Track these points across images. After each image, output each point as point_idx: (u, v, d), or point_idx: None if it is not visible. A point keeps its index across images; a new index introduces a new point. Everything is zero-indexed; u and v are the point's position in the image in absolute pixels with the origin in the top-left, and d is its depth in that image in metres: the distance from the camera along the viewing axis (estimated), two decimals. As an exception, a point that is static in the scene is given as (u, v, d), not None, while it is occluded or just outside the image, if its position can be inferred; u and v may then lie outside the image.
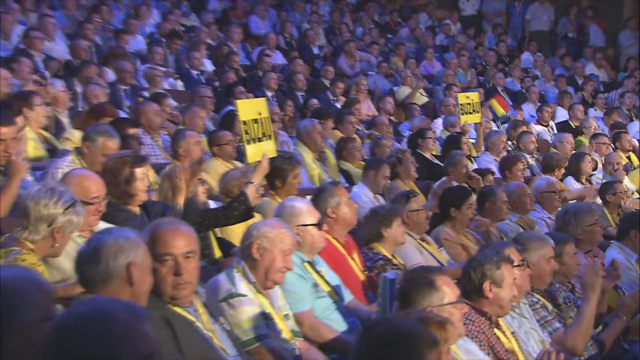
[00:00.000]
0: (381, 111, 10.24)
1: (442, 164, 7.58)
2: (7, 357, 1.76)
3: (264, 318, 3.36)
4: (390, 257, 4.68)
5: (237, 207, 4.49)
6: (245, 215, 4.48)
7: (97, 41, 9.99)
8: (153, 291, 2.76)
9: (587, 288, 4.12)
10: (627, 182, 8.41)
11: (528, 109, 11.65)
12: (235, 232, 4.80)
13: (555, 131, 10.78)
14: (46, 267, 3.28)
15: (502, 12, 16.24)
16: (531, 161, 8.63)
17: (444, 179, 6.20)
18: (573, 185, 7.95)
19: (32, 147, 5.75)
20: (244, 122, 4.57)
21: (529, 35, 15.33)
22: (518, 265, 3.80)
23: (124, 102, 8.19)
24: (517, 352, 3.64)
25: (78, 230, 3.38)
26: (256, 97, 9.13)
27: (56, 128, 6.78)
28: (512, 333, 3.75)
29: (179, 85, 9.63)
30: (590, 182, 8.28)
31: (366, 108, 10.36)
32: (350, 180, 7.13)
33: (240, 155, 7.04)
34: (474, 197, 5.65)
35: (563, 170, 7.83)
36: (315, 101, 9.54)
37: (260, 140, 4.69)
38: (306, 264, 3.99)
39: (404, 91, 11.29)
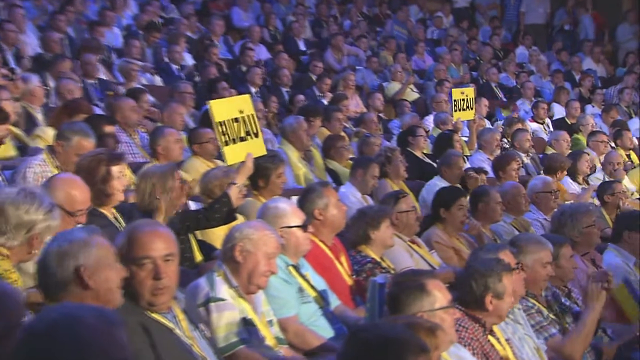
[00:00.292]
0: (370, 108, 10.26)
1: (433, 163, 7.61)
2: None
3: (245, 324, 3.36)
4: (379, 260, 4.70)
5: (219, 209, 4.48)
6: (228, 218, 4.49)
7: (70, 34, 9.93)
8: (130, 296, 2.75)
9: (591, 296, 4.14)
10: (627, 182, 8.47)
11: (523, 106, 11.70)
12: (217, 235, 4.80)
13: (551, 129, 10.83)
14: (20, 273, 3.26)
15: (496, 5, 16.33)
16: (526, 160, 8.66)
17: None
18: (570, 185, 8.00)
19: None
20: (221, 124, 4.55)
21: (524, 29, 15.41)
22: (513, 269, 3.82)
23: (93, 98, 8.14)
24: (511, 359, 3.67)
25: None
26: (239, 93, 9.13)
27: (28, 124, 6.74)
28: (507, 340, 3.78)
29: (158, 80, 9.60)
30: (587, 182, 8.34)
31: (354, 104, 10.37)
32: (337, 180, 7.14)
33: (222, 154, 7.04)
34: (465, 198, 5.67)
35: (565, 173, 7.86)
36: (301, 97, 9.54)
37: (243, 139, 4.67)
38: (291, 268, 4.00)
39: (393, 87, 11.31)
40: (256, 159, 4.92)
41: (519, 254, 4.18)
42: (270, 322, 3.62)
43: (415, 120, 9.40)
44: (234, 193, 4.55)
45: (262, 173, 5.27)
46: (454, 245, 5.45)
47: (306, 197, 4.59)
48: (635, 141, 10.13)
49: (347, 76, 10.65)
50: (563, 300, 4.54)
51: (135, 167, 5.80)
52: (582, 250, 5.29)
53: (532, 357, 3.89)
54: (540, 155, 9.29)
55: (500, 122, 10.30)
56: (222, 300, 3.39)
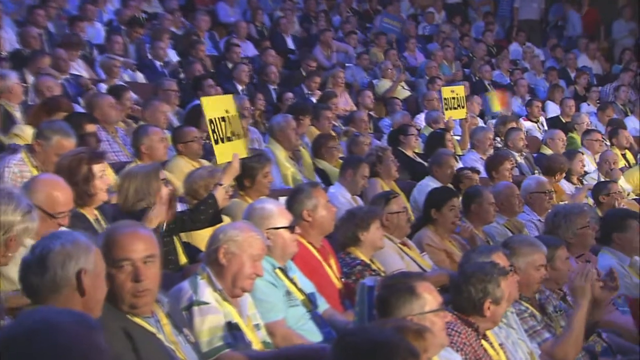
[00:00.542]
0: (360, 106, 10.27)
1: (424, 163, 7.63)
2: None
3: (230, 328, 3.37)
4: (368, 262, 4.71)
5: (204, 211, 4.49)
6: (214, 220, 4.49)
7: (50, 29, 9.90)
8: (110, 300, 2.75)
9: (576, 293, 4.18)
10: (623, 182, 8.51)
11: (516, 104, 11.73)
12: (202, 237, 4.79)
13: (546, 127, 10.87)
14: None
15: (489, 0, 16.38)
16: (520, 160, 8.68)
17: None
18: (564, 185, 8.04)
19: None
20: (211, 121, 4.56)
21: (517, 25, 15.46)
22: (508, 273, 3.84)
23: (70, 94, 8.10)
24: (504, 364, 3.70)
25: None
26: (225, 90, 9.14)
27: (6, 123, 6.70)
28: (500, 345, 3.80)
29: (141, 77, 9.58)
30: (582, 182, 8.38)
31: (344, 102, 10.38)
32: (327, 180, 7.15)
33: (208, 154, 7.03)
34: (457, 198, 5.69)
35: (564, 175, 7.89)
36: (290, 95, 9.55)
37: (229, 139, 4.69)
38: (278, 271, 4.01)
39: (384, 84, 11.33)
40: (242, 158, 4.92)
41: (511, 256, 4.20)
42: (257, 327, 3.63)
43: (407, 118, 9.42)
44: (220, 194, 4.55)
45: (248, 173, 5.28)
46: (446, 247, 5.47)
47: (294, 198, 4.60)
48: (632, 140, 10.19)
49: (336, 73, 10.65)
50: (556, 303, 4.56)
51: (117, 167, 5.79)
52: (577, 252, 5.31)
53: (526, 362, 3.91)
54: (535, 155, 9.34)
55: (492, 121, 10.32)
56: (206, 303, 3.39)
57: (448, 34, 14.18)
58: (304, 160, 7.42)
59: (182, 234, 4.83)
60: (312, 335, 3.92)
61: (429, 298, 3.09)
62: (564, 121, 10.99)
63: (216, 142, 4.60)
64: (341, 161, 7.15)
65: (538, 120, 11.04)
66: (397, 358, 2.01)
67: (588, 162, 9.10)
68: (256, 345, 3.49)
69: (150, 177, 4.55)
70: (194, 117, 7.29)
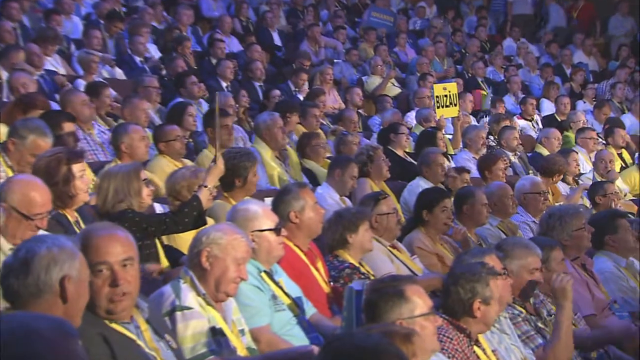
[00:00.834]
0: (348, 103, 10.29)
1: (415, 162, 7.65)
2: None
3: (214, 333, 3.37)
4: (357, 265, 4.72)
5: (188, 213, 4.48)
6: (197, 222, 4.48)
7: (25, 22, 9.85)
8: (87, 306, 2.73)
9: (558, 294, 4.21)
10: (620, 183, 8.57)
11: (510, 102, 11.77)
12: (184, 239, 4.79)
13: (541, 126, 10.91)
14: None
15: (482, -7, 16.45)
16: (514, 159, 8.72)
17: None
18: (559, 186, 8.07)
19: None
20: None
21: (511, 20, 15.52)
22: (499, 273, 3.86)
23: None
24: (498, 371, 3.72)
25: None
26: (208, 87, 9.14)
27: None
28: (493, 351, 3.82)
29: (120, 73, 9.55)
30: (577, 182, 8.42)
31: (332, 100, 10.40)
32: (314, 180, 7.16)
33: (191, 153, 7.04)
34: (450, 199, 5.71)
35: (562, 176, 7.93)
36: (277, 92, 9.56)
37: None
38: (263, 274, 4.01)
39: (373, 81, 11.35)
40: (232, 158, 4.93)
41: (505, 258, 4.22)
42: (241, 332, 3.63)
43: (397, 116, 9.44)
44: (205, 196, 4.55)
45: (239, 172, 5.30)
46: (438, 251, 5.48)
47: (281, 199, 4.60)
48: (628, 139, 10.24)
49: (324, 70, 10.66)
50: (550, 308, 4.58)
51: (96, 166, 5.77)
52: (572, 254, 5.30)
53: (519, 368, 3.94)
54: (529, 154, 9.38)
55: (486, 120, 10.36)
56: (189, 308, 3.39)
57: (440, 29, 14.21)
58: (291, 160, 7.42)
59: (164, 237, 4.83)
60: (299, 341, 3.92)
61: (419, 302, 3.10)
62: (559, 119, 11.03)
63: None
64: (329, 161, 7.16)
65: (532, 119, 11.08)
66: (384, 363, 2.02)
67: (583, 161, 9.15)
68: (241, 352, 3.49)
69: (130, 177, 4.54)
70: (177, 115, 7.29)
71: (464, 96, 10.25)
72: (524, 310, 4.36)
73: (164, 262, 4.65)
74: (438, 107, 8.61)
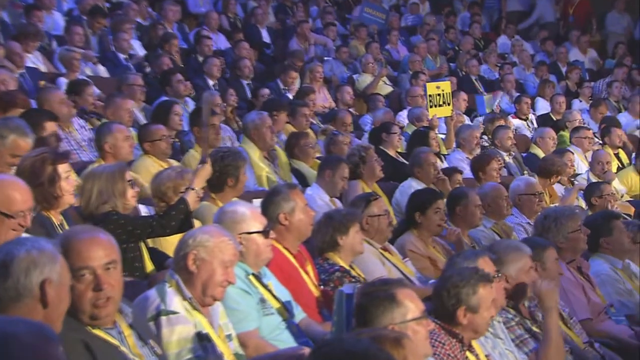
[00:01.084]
0: (339, 102, 10.30)
1: (408, 163, 7.66)
2: None
3: (200, 339, 3.36)
4: (348, 268, 4.72)
5: (174, 216, 4.47)
6: (184, 226, 4.47)
7: (4, 18, 9.81)
8: (68, 311, 2.73)
9: (543, 297, 4.23)
10: (616, 183, 8.60)
11: (505, 101, 11.80)
12: (170, 242, 4.79)
13: (535, 125, 10.94)
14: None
15: (476, -11, 16.47)
16: (508, 159, 8.75)
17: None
18: (555, 187, 8.10)
19: None
20: None
21: (505, 16, 15.56)
22: (492, 279, 3.87)
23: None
24: (491, 376, 3.73)
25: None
26: (195, 85, 9.13)
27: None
28: (487, 356, 3.83)
29: (103, 71, 9.52)
30: (572, 183, 8.45)
31: (322, 99, 10.40)
32: (303, 181, 7.16)
33: (176, 153, 7.03)
34: (442, 200, 5.72)
35: (559, 177, 7.95)
36: (266, 91, 9.55)
37: None
38: (251, 277, 4.01)
39: (365, 79, 11.36)
40: (223, 158, 4.92)
41: (500, 265, 4.23)
42: (228, 337, 3.62)
43: (389, 116, 9.44)
44: (192, 198, 4.55)
45: (231, 172, 5.29)
46: (430, 254, 5.49)
47: (271, 200, 4.60)
48: (625, 138, 10.27)
49: (314, 67, 10.66)
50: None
51: (78, 167, 5.75)
52: (568, 257, 5.32)
53: (513, 373, 3.95)
54: (524, 155, 9.42)
55: (479, 119, 10.38)
56: (175, 313, 3.38)
57: (432, 25, 14.22)
58: (280, 160, 7.42)
59: (149, 239, 4.82)
60: (288, 346, 3.92)
61: (411, 306, 3.10)
62: (554, 119, 11.05)
63: None
64: (318, 161, 7.16)
65: (527, 118, 11.10)
66: (374, 369, 2.02)
67: (578, 161, 9.19)
68: (228, 357, 3.49)
69: (115, 178, 4.54)
70: (162, 114, 7.27)
71: (457, 95, 10.26)
72: (518, 314, 4.37)
73: (149, 266, 4.65)
74: (431, 107, 8.61)
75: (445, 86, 8.82)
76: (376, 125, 8.91)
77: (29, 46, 8.67)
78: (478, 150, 8.47)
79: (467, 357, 3.65)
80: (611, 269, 5.52)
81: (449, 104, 8.76)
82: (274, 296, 4.07)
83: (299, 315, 4.20)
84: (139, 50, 10.32)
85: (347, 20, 14.05)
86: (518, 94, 11.86)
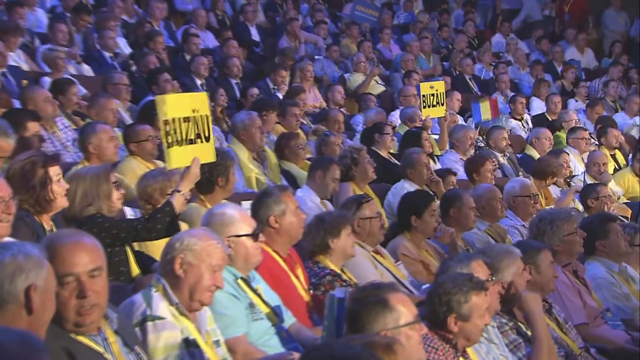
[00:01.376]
0: (330, 102, 10.30)
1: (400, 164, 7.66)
2: None
3: (187, 345, 3.36)
4: (339, 271, 4.72)
5: (160, 220, 4.46)
6: (170, 230, 4.46)
7: (-15, 15, 9.77)
8: (52, 318, 2.72)
9: (526, 301, 4.25)
10: (613, 185, 8.63)
11: (499, 100, 11.80)
12: (156, 245, 4.78)
13: (531, 126, 10.97)
14: None
15: (470, -13, 16.50)
16: (503, 160, 8.76)
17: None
18: (550, 188, 8.12)
19: None
20: (166, 122, 4.48)
21: (500, 15, 15.59)
22: (486, 286, 3.87)
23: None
24: (485, 382, 3.74)
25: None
26: (182, 84, 9.11)
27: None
28: (480, 362, 3.84)
29: (88, 69, 9.49)
30: (568, 184, 8.48)
31: (312, 98, 10.41)
32: (293, 182, 7.16)
33: (163, 154, 7.00)
34: (436, 202, 5.73)
35: (555, 179, 7.97)
36: (255, 91, 9.55)
37: (192, 142, 4.61)
38: (240, 281, 4.01)
39: (356, 79, 11.37)
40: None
41: (495, 271, 4.23)
42: (216, 343, 3.62)
43: (381, 116, 9.45)
44: (179, 201, 4.54)
45: (221, 172, 5.30)
46: (422, 258, 5.49)
47: (262, 202, 4.59)
48: (622, 139, 10.30)
49: (304, 66, 10.66)
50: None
51: (63, 168, 5.72)
52: (564, 260, 5.33)
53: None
54: (519, 156, 9.44)
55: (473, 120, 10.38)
56: (161, 318, 3.37)
57: (426, 24, 14.24)
58: (270, 162, 7.41)
59: (135, 243, 4.81)
60: (277, 351, 3.93)
61: (404, 310, 3.10)
62: (550, 119, 11.08)
63: (170, 145, 4.50)
64: (308, 162, 7.15)
65: (522, 118, 11.12)
66: (367, 376, 2.03)
67: (575, 162, 9.22)
68: (216, 364, 3.49)
69: (99, 180, 4.53)
70: (148, 114, 7.24)
71: (451, 95, 10.27)
72: (512, 318, 4.38)
73: (135, 270, 4.64)
74: (424, 107, 8.61)
75: (439, 86, 8.83)
76: (368, 126, 8.91)
77: (10, 42, 8.61)
78: (472, 151, 8.48)
79: (460, 363, 3.66)
80: (607, 272, 5.54)
81: (442, 104, 8.75)
82: (263, 301, 4.07)
83: (289, 320, 4.20)
84: (125, 49, 10.29)
85: (338, 18, 14.06)
86: (513, 93, 11.88)
